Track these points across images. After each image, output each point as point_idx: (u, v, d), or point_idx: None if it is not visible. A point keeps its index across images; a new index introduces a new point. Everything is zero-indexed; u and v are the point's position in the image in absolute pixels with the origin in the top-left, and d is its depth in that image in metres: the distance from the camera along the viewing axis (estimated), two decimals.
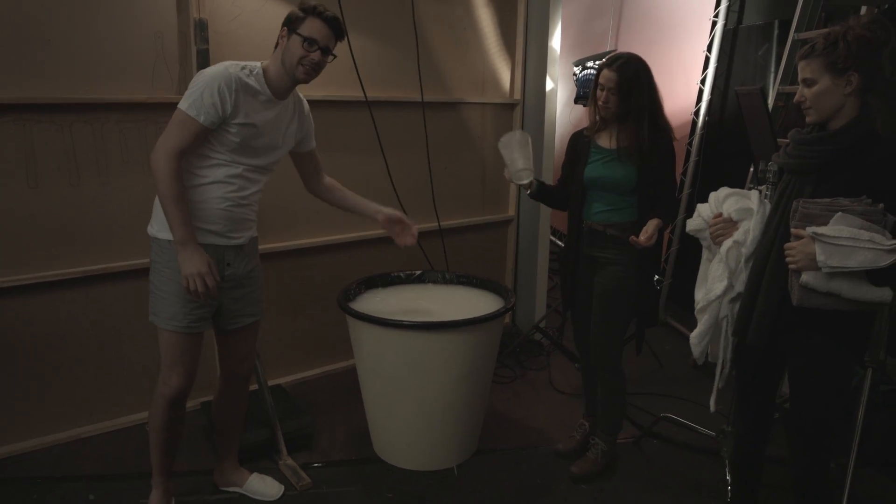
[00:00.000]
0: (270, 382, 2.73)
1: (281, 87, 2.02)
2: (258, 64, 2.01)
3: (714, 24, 4.03)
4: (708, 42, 4.06)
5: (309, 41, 1.95)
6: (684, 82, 4.32)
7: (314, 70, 2.00)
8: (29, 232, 2.48)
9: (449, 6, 3.39)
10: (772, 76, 3.90)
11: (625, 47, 4.25)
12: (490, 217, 3.85)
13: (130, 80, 2.58)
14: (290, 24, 1.98)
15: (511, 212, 3.91)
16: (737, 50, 4.03)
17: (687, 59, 4.32)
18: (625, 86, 2.28)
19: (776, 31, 3.84)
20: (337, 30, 2.00)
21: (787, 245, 1.81)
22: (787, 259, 1.79)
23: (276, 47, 2.03)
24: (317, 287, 3.24)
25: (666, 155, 2.36)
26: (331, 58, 2.03)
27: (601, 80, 2.33)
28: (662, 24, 4.33)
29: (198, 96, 1.89)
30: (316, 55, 1.97)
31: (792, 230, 1.80)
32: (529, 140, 2.37)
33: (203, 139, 1.94)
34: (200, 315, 2.03)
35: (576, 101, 3.16)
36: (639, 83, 2.28)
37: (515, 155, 2.35)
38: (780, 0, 3.86)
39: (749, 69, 4.03)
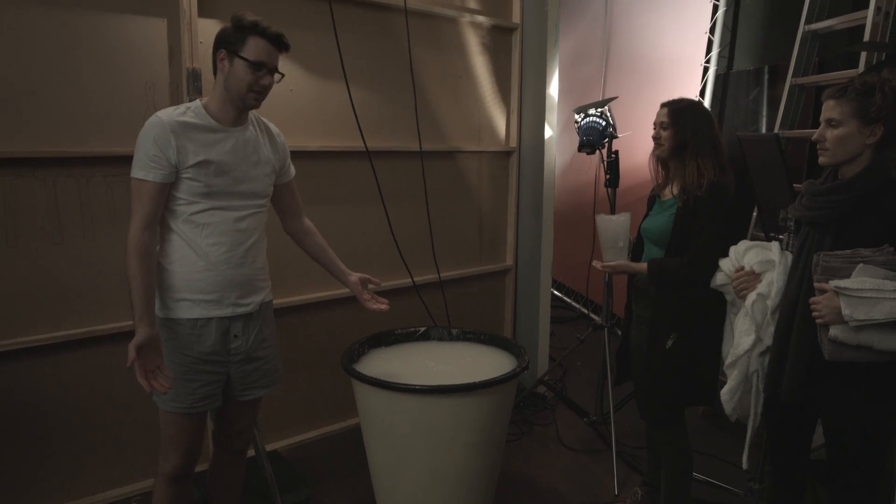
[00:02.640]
0: (266, 448, 2.55)
1: (230, 116, 1.84)
2: (196, 100, 1.87)
3: (706, 69, 4.06)
4: (700, 87, 4.08)
5: (256, 65, 1.77)
6: None
7: (264, 95, 1.83)
8: (7, 294, 2.30)
9: (444, 54, 3.34)
10: (763, 120, 3.92)
11: (613, 93, 4.25)
12: (488, 267, 3.74)
13: (118, 132, 2.44)
14: (229, 45, 1.77)
15: (509, 261, 3.81)
16: (728, 94, 4.06)
17: None
18: (676, 116, 2.23)
19: (766, 76, 3.88)
20: (282, 46, 1.83)
21: (812, 299, 1.76)
22: (814, 314, 1.75)
23: (215, 72, 1.84)
24: (312, 345, 3.08)
25: (705, 204, 2.18)
26: (279, 77, 1.86)
27: (655, 120, 2.29)
28: (651, 70, 4.35)
29: (139, 157, 1.75)
30: (267, 80, 1.80)
31: (816, 284, 1.76)
32: (629, 224, 2.45)
33: (163, 198, 1.78)
34: (206, 393, 1.86)
35: (579, 149, 3.10)
36: (692, 116, 2.22)
37: (619, 242, 2.42)
38: (770, 46, 3.91)
39: (740, 114, 4.05)
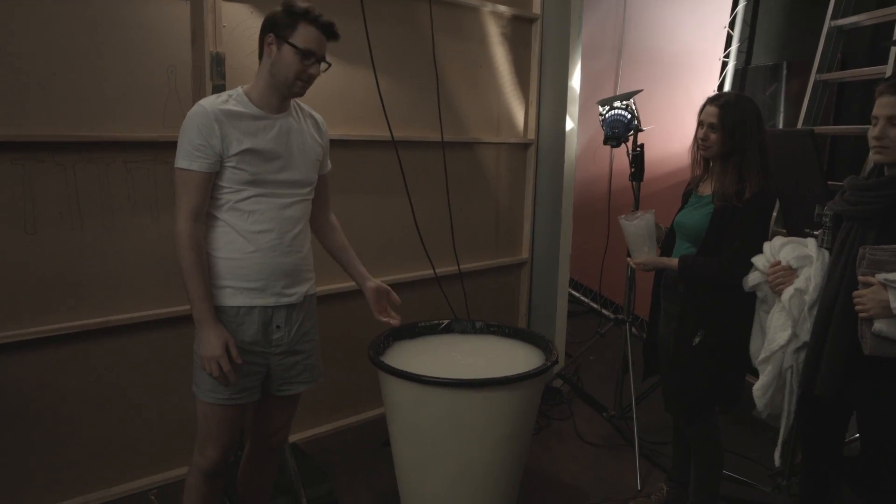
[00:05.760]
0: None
1: (273, 103, 1.80)
2: (238, 88, 1.82)
3: (725, 64, 4.03)
4: (719, 82, 4.04)
5: (306, 54, 1.72)
6: (694, 122, 4.29)
7: (310, 83, 1.79)
8: (24, 282, 2.25)
9: (465, 43, 3.29)
10: (781, 116, 3.89)
11: (628, 86, 4.21)
12: (504, 260, 3.70)
13: (139, 117, 2.39)
14: (279, 30, 1.72)
15: (525, 254, 3.77)
16: (746, 89, 4.02)
17: (695, 98, 4.28)
18: (725, 117, 2.12)
19: (785, 72, 3.85)
20: (332, 35, 1.78)
21: (856, 293, 1.73)
22: (858, 307, 1.71)
23: (261, 56, 1.79)
24: (325, 338, 3.01)
25: (746, 210, 2.12)
26: (325, 66, 1.81)
27: (701, 117, 2.20)
28: (668, 64, 4.31)
29: (184, 146, 1.71)
30: (315, 69, 1.76)
31: (860, 277, 1.73)
32: (654, 222, 2.36)
33: (209, 188, 1.74)
34: (245, 384, 1.82)
35: (605, 142, 3.06)
36: (741, 119, 2.12)
37: (645, 245, 2.36)
38: (789, 41, 3.88)
39: None
